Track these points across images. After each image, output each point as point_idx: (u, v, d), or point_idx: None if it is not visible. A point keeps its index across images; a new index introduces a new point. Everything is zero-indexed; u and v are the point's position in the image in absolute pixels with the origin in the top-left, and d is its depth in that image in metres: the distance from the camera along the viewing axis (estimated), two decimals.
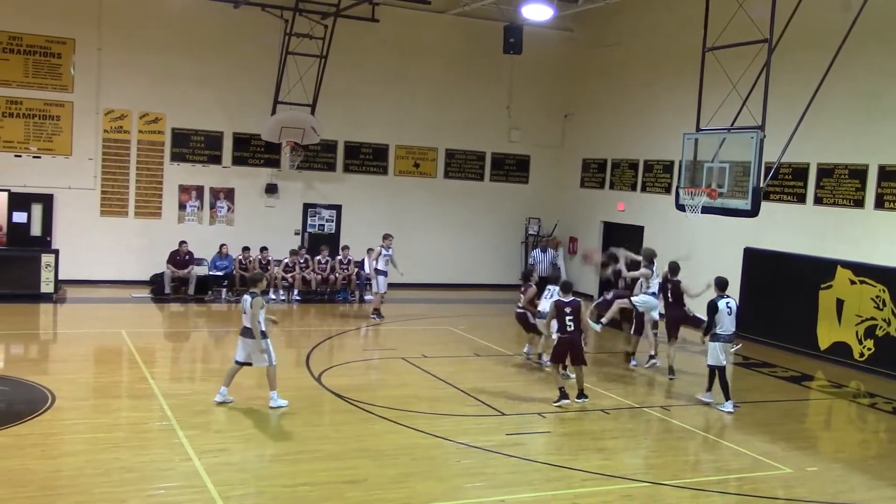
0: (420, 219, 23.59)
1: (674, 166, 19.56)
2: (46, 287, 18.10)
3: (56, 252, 18.64)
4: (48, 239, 19.94)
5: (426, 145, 23.78)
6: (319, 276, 20.81)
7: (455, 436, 9.97)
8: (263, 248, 20.60)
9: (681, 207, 13.91)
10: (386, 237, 18.77)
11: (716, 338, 11.92)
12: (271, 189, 22.11)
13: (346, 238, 22.46)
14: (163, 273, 19.89)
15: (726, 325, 11.92)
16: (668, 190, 20.07)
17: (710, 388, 12.23)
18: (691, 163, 13.89)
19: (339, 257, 21.34)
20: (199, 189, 21.59)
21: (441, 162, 24.02)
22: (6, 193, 19.77)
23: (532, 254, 22.57)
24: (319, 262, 20.99)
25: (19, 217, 19.89)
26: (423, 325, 18.16)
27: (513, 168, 24.75)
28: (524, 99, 24.25)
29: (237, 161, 21.89)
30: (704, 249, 18.07)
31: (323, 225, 23.00)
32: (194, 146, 21.46)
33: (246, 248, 20.51)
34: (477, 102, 23.82)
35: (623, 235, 21.46)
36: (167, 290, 19.71)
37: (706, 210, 13.33)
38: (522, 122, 24.31)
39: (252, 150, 21.96)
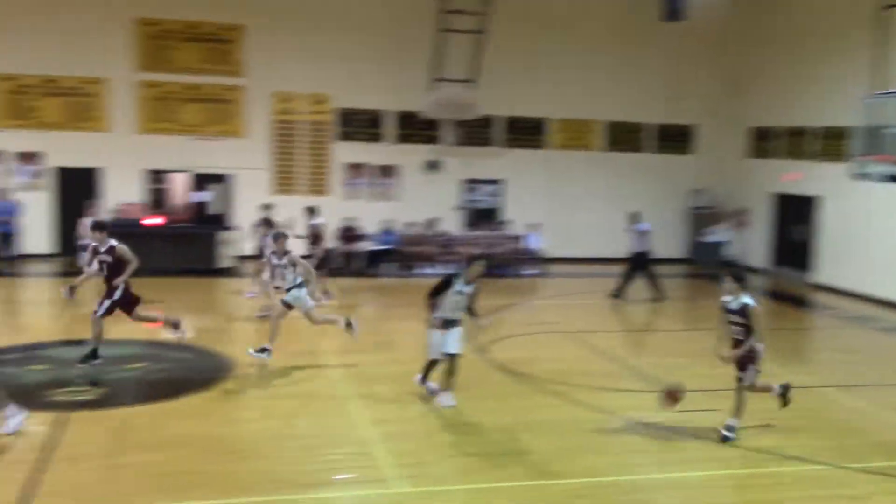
0: (580, 193, 23.33)
1: (848, 133, 18.34)
2: (225, 262, 19.16)
3: (234, 229, 19.68)
4: (226, 217, 21.07)
5: (586, 117, 23.43)
6: (482, 251, 20.95)
7: (620, 411, 9.84)
8: (430, 223, 20.96)
9: (861, 176, 13.11)
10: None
11: None
12: (433, 165, 22.44)
13: (508, 213, 22.53)
14: (332, 249, 20.61)
15: None
16: (841, 158, 18.88)
17: None
18: (870, 129, 13.05)
19: (500, 231, 21.42)
20: (364, 166, 22.20)
21: (602, 134, 23.62)
22: (188, 174, 21.01)
23: (711, 230, 21.65)
24: (481, 236, 21.14)
25: (200, 197, 21.11)
26: (587, 300, 17.99)
27: (675, 139, 24.02)
28: (686, 67, 23.43)
29: (400, 138, 22.34)
30: (884, 221, 16.95)
31: (483, 200, 23.15)
32: (358, 125, 22.05)
33: (409, 224, 20.95)
34: (638, 72, 23.22)
35: (797, 208, 20.49)
36: (336, 265, 20.41)
37: (888, 178, 12.50)
38: (685, 91, 23.51)
39: (414, 127, 22.33)
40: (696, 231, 23.20)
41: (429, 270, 20.44)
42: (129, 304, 11.21)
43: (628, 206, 23.41)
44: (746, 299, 8.75)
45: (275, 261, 11.93)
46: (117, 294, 10.98)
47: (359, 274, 20.17)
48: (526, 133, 23.12)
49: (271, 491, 7.23)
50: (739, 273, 9.17)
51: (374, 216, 21.50)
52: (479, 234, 21.32)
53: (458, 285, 9.70)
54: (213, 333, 14.09)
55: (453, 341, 9.74)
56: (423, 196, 22.26)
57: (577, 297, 18.13)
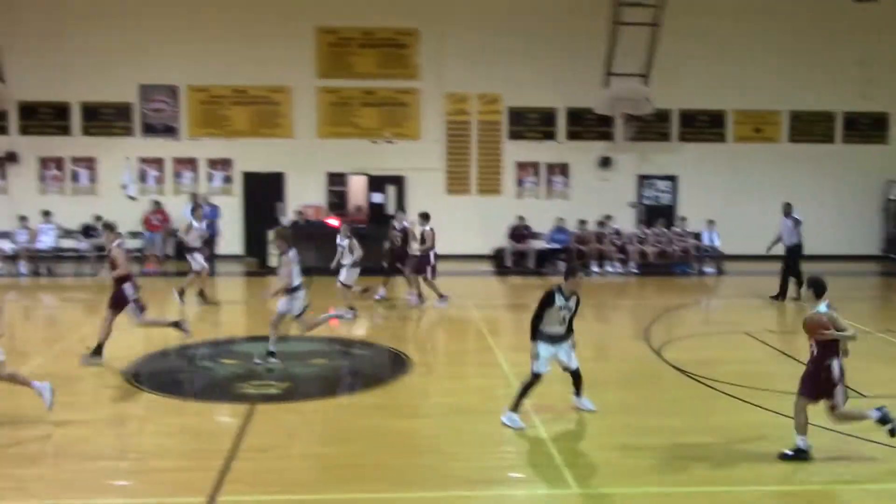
0: (763, 186, 22.32)
1: None
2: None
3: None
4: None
5: (768, 108, 22.40)
6: (657, 249, 20.48)
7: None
8: (601, 223, 20.68)
9: None
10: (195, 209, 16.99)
11: None
12: (605, 162, 22.12)
13: (683, 209, 21.88)
14: (504, 247, 20.72)
15: None
16: None
17: None
18: None
19: (675, 229, 20.85)
20: (536, 165, 22.17)
21: (785, 125, 22.51)
22: (365, 177, 21.69)
23: None
24: (656, 234, 20.66)
25: (377, 198, 21.76)
26: (766, 300, 17.17)
27: (868, 127, 22.54)
28: (880, 51, 21.94)
29: (571, 136, 22.17)
30: None
31: (658, 196, 22.59)
32: (530, 123, 22.06)
33: (583, 222, 20.74)
34: (824, 59, 22.00)
35: None
36: (508, 264, 20.52)
37: None
38: (878, 77, 22.00)
39: (585, 125, 22.10)
40: (894, 225, 21.71)
41: (604, 269, 20.18)
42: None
43: (814, 201, 22.32)
44: None
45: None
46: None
47: (530, 273, 20.16)
48: (703, 126, 22.38)
49: (446, 486, 7.33)
50: None
51: (546, 215, 21.43)
52: (654, 231, 20.82)
53: (560, 300, 8.98)
54: (392, 331, 14.48)
55: (569, 357, 9.22)
56: (595, 194, 21.98)
57: (757, 297, 17.34)
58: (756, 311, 15.79)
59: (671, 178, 22.55)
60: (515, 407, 8.83)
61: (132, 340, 13.05)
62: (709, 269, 20.45)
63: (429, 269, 15.90)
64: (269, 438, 8.48)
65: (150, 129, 21.62)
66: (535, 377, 8.87)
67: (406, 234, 16.39)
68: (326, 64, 21.64)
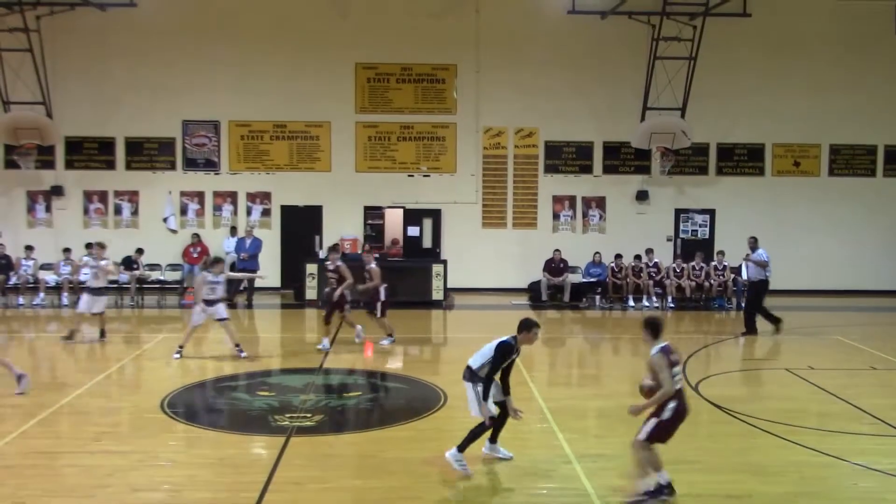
0: (803, 220, 22.14)
1: None
2: (437, 295, 19.71)
3: (445, 262, 20.22)
4: (437, 251, 21.69)
5: (807, 142, 22.24)
6: (694, 283, 20.32)
7: (850, 456, 9.14)
8: (637, 256, 20.58)
9: None
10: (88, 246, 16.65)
11: None
12: (642, 196, 22.06)
13: (721, 243, 21.70)
14: (539, 281, 20.68)
15: None
16: None
17: None
18: None
19: (713, 263, 20.67)
20: (572, 199, 22.17)
21: (825, 158, 22.32)
22: (402, 210, 21.83)
23: None
24: (694, 268, 20.50)
25: (413, 231, 21.88)
26: (810, 335, 16.94)
27: None
28: None
29: (607, 169, 22.17)
30: None
31: (696, 230, 22.45)
32: (566, 157, 22.11)
33: (618, 256, 20.66)
34: (865, 91, 21.84)
35: None
36: (544, 297, 20.46)
37: None
38: None
39: (622, 158, 22.11)
40: None
41: (641, 303, 20.05)
42: None
43: (855, 236, 22.04)
44: None
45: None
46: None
47: (565, 306, 20.08)
48: (741, 160, 22.27)
49: None
50: None
51: (581, 248, 21.39)
52: (691, 265, 20.65)
53: (514, 353, 8.74)
54: (426, 364, 14.49)
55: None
56: (632, 227, 21.90)
57: (795, 332, 17.10)
58: (796, 347, 15.56)
59: (709, 212, 22.40)
60: (463, 448, 8.50)
61: (169, 372, 13.21)
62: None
63: (378, 306, 15.32)
64: (303, 471, 8.51)
65: (191, 164, 21.99)
66: (490, 424, 8.63)
67: (340, 274, 15.00)
68: (365, 99, 21.91)
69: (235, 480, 8.24)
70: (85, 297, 15.38)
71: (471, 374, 8.71)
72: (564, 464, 8.84)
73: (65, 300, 19.82)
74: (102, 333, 15.59)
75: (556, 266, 20.79)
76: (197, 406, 11.25)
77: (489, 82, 21.78)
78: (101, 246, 15.79)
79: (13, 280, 20.10)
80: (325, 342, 14.83)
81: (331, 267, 15.27)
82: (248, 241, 20.52)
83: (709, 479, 8.42)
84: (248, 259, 20.10)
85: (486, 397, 8.51)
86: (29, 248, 20.57)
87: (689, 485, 8.23)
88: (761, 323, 16.72)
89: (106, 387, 12.08)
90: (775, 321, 16.70)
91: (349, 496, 7.93)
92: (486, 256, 21.88)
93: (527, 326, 8.77)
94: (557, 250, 20.90)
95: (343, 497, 7.90)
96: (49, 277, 20.44)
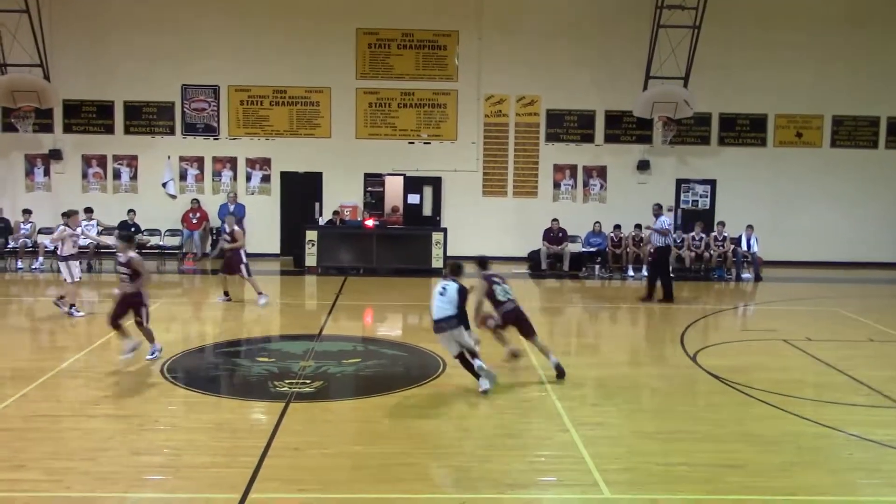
0: (804, 191, 22.11)
1: None
2: (436, 262, 19.70)
3: (444, 230, 20.20)
4: (437, 218, 21.66)
5: (810, 113, 22.14)
6: (694, 254, 20.32)
7: (845, 426, 9.18)
8: (638, 226, 20.55)
9: None
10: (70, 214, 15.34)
11: None
12: (643, 165, 22.00)
13: (722, 214, 21.69)
14: (539, 250, 20.69)
15: None
16: None
17: None
18: None
19: (713, 234, 20.67)
20: (573, 168, 22.10)
21: (827, 130, 22.23)
22: (402, 177, 21.78)
23: None
24: (693, 238, 20.50)
25: (413, 199, 21.83)
26: (809, 306, 16.97)
27: None
28: None
29: (609, 139, 22.09)
30: None
31: (697, 201, 22.41)
32: (567, 126, 22.02)
33: (617, 226, 20.63)
34: (868, 63, 21.69)
35: None
36: (543, 266, 20.47)
37: None
38: None
39: (624, 127, 22.01)
40: None
41: (641, 273, 20.06)
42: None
43: (856, 207, 22.00)
44: None
45: None
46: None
47: (565, 276, 20.09)
48: (743, 130, 22.17)
49: (476, 489, 7.33)
50: None
51: (582, 218, 21.36)
52: (692, 235, 20.64)
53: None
54: (425, 332, 14.50)
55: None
56: (633, 197, 21.86)
57: (795, 303, 17.13)
58: (795, 319, 15.60)
59: (710, 183, 22.35)
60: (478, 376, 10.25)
61: (170, 338, 13.23)
62: (746, 274, 20.23)
63: (243, 268, 15.86)
64: (302, 437, 8.55)
65: (190, 129, 21.88)
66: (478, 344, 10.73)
67: (233, 237, 16.03)
68: (366, 65, 21.76)
69: (235, 445, 8.28)
70: (67, 266, 14.56)
71: (458, 321, 10.27)
72: (562, 432, 8.87)
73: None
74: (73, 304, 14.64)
75: (555, 235, 20.77)
76: (196, 371, 11.28)
77: (491, 50, 21.63)
78: (75, 214, 15.29)
79: (11, 244, 20.07)
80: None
81: (227, 230, 16.21)
82: (232, 207, 20.50)
83: (705, 448, 8.46)
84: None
85: (469, 327, 10.45)
86: (27, 211, 20.53)
87: (686, 454, 8.28)
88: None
89: (105, 351, 12.10)
90: (669, 295, 16.66)
91: (348, 462, 7.97)
92: (486, 225, 21.85)
93: (461, 270, 10.84)
94: (556, 219, 20.87)
95: (342, 462, 7.94)
96: (47, 241, 20.36)
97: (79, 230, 15.15)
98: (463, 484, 7.45)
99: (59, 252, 14.82)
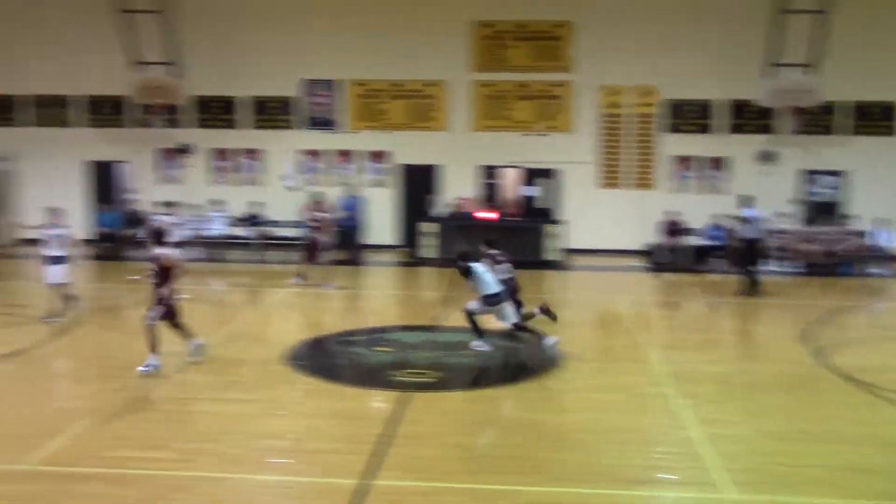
0: None
1: None
2: (553, 255, 19.61)
3: (560, 223, 20.09)
4: (553, 211, 21.56)
5: None
6: (821, 248, 19.56)
7: None
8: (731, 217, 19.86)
9: None
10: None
11: None
12: (766, 156, 21.28)
13: (853, 206, 20.79)
14: (657, 243, 20.33)
15: None
16: None
17: None
18: None
19: (842, 227, 19.83)
20: (691, 159, 21.59)
21: None
22: (518, 170, 21.77)
23: None
24: (821, 232, 19.72)
25: (528, 191, 21.78)
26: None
27: None
28: None
29: (731, 129, 21.45)
30: None
31: (824, 193, 21.54)
32: (686, 116, 21.51)
33: (741, 219, 20.00)
34: None
35: None
36: (662, 260, 20.10)
37: None
38: None
39: (745, 117, 21.34)
40: None
41: (765, 268, 19.43)
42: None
43: None
44: None
45: None
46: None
47: (684, 269, 19.65)
48: (875, 119, 21.15)
49: (593, 483, 7.31)
50: None
51: (701, 210, 20.85)
52: (819, 229, 19.85)
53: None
54: (542, 325, 14.47)
55: None
56: (756, 189, 21.14)
57: None
58: None
59: (838, 174, 21.44)
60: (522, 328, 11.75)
61: (291, 326, 13.67)
62: (878, 270, 19.34)
63: (320, 254, 17.01)
64: (421, 426, 8.70)
65: (311, 123, 22.46)
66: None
67: (321, 224, 17.20)
68: (481, 58, 21.82)
69: (353, 432, 8.49)
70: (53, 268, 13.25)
71: (505, 293, 11.61)
72: (681, 429, 8.73)
73: (193, 254, 20.65)
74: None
75: (673, 228, 20.35)
76: (317, 359, 11.60)
77: (607, 39, 21.32)
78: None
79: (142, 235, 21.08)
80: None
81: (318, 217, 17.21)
82: (349, 200, 20.93)
83: (831, 450, 8.17)
84: (346, 216, 20.49)
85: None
86: (158, 203, 21.49)
87: (810, 455, 8.02)
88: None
89: (231, 338, 12.59)
90: (753, 288, 16.42)
91: (466, 452, 8.06)
92: (602, 217, 21.61)
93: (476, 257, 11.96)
94: (675, 212, 20.44)
95: (459, 453, 8.04)
96: (179, 232, 21.32)
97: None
98: (581, 478, 7.43)
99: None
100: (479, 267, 11.73)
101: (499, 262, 12.26)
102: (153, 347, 10.41)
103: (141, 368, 10.33)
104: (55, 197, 21.83)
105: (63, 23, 22.08)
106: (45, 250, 13.20)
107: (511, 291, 12.04)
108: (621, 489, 7.22)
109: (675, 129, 21.58)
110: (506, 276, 12.11)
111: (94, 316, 13.91)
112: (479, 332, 11.79)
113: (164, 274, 10.48)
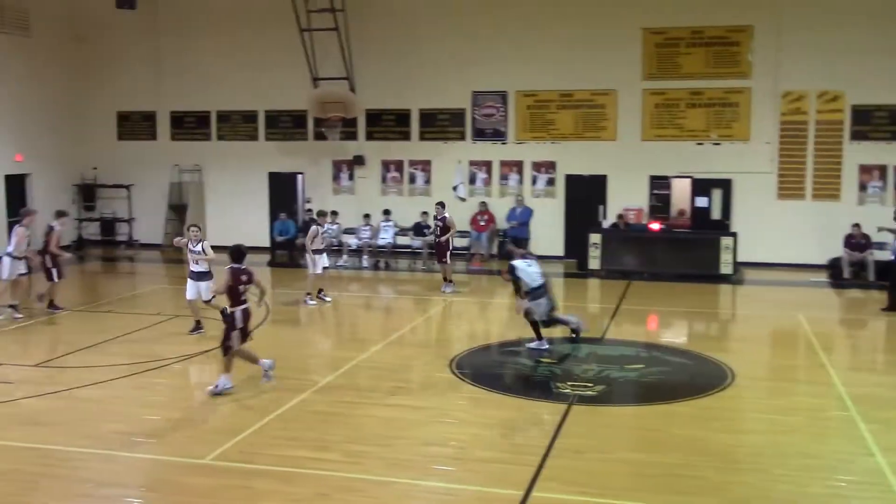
0: None
1: None
2: (725, 269, 18.85)
3: (734, 235, 19.31)
4: (727, 222, 20.75)
5: None
6: None
7: None
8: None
9: None
10: (321, 214, 17.92)
11: None
12: None
13: None
14: (840, 257, 19.16)
15: None
16: None
17: None
18: None
19: None
20: (882, 168, 20.20)
21: None
22: (689, 180, 21.09)
23: None
24: None
25: (701, 202, 21.06)
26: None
27: None
28: None
29: None
30: None
31: None
32: (876, 122, 20.16)
33: None
34: None
35: None
36: (845, 275, 18.92)
37: None
38: None
39: None
40: None
41: None
42: None
43: None
44: None
45: None
46: None
47: (870, 286, 18.35)
48: None
49: None
50: None
51: (891, 222, 19.44)
52: None
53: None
54: (712, 340, 13.97)
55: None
56: None
57: None
58: None
59: None
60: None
61: (457, 334, 13.82)
62: None
63: (448, 255, 17.47)
64: (584, 439, 8.56)
65: (479, 134, 22.65)
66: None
67: (445, 226, 17.60)
68: (653, 66, 21.32)
69: (517, 443, 8.47)
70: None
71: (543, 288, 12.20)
72: (866, 456, 8.16)
73: (364, 262, 21.30)
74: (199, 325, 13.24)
75: (857, 241, 19.11)
76: (482, 368, 11.64)
77: (789, 43, 20.30)
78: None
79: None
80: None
81: (439, 217, 17.81)
82: (519, 210, 20.85)
83: None
84: (517, 227, 20.35)
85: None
86: (334, 213, 22.28)
87: None
88: None
89: (400, 345, 12.86)
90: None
91: (629, 468, 7.86)
92: (780, 229, 20.55)
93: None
94: (857, 224, 19.16)
95: (622, 469, 7.85)
96: (351, 241, 22.07)
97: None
98: (754, 503, 7.07)
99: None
100: (520, 263, 12.29)
101: (528, 261, 12.66)
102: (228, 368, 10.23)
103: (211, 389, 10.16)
104: (239, 207, 23.15)
105: (252, 42, 23.34)
106: (192, 266, 13.17)
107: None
108: None
109: (863, 136, 20.27)
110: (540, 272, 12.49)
111: (270, 321, 14.55)
112: (538, 332, 12.24)
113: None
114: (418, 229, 21.61)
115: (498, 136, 22.48)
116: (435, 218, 18.14)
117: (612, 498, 7.14)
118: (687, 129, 21.16)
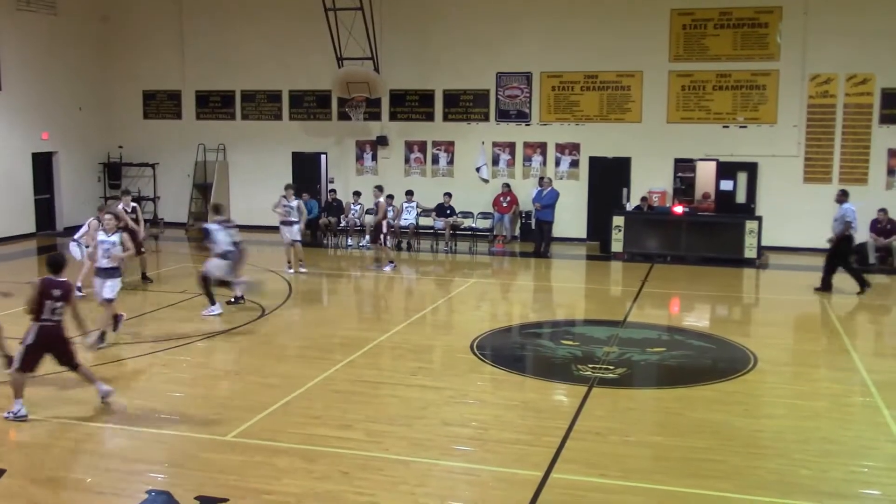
0: None
1: None
2: (749, 252, 18.74)
3: (759, 219, 19.16)
4: (752, 206, 20.59)
5: None
6: None
7: None
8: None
9: None
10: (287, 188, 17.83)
11: None
12: None
13: None
14: (865, 242, 18.98)
15: None
16: None
17: None
18: None
19: None
20: None
21: None
22: (714, 163, 20.92)
23: None
24: None
25: (726, 185, 20.90)
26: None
27: None
28: None
29: None
30: None
31: None
32: None
33: None
34: None
35: None
36: (871, 261, 18.75)
37: None
38: None
39: None
40: None
41: None
42: None
43: None
44: None
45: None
46: None
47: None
48: None
49: (789, 494, 6.92)
50: None
51: None
52: None
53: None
54: (735, 324, 13.91)
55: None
56: None
57: None
58: None
59: None
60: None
61: (478, 315, 13.84)
62: None
63: (382, 238, 17.81)
64: (604, 422, 8.57)
65: (503, 115, 22.57)
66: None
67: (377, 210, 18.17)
68: (680, 47, 21.11)
69: (538, 424, 8.48)
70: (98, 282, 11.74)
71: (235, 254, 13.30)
72: (890, 443, 8.11)
73: (387, 243, 21.34)
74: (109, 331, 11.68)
75: (883, 227, 18.91)
76: (503, 350, 11.68)
77: (818, 25, 20.04)
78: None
79: (343, 223, 21.96)
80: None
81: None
82: (545, 192, 20.78)
83: None
84: (541, 209, 20.28)
85: None
86: (357, 193, 22.32)
87: None
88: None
89: (421, 326, 12.91)
90: (863, 283, 15.35)
91: (650, 451, 7.86)
92: (806, 214, 20.35)
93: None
94: (883, 209, 18.95)
95: (644, 452, 7.85)
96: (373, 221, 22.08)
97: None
98: (775, 487, 7.05)
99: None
100: (212, 226, 13.11)
101: (228, 227, 13.38)
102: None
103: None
104: (263, 186, 23.23)
105: (277, 21, 23.36)
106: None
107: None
108: (818, 501, 6.79)
109: (892, 120, 20.00)
110: (236, 239, 13.35)
111: (294, 300, 14.65)
112: (212, 298, 12.91)
113: None
114: (441, 210, 21.60)
115: (522, 117, 22.39)
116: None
117: (632, 481, 7.15)
118: (713, 112, 20.99)
